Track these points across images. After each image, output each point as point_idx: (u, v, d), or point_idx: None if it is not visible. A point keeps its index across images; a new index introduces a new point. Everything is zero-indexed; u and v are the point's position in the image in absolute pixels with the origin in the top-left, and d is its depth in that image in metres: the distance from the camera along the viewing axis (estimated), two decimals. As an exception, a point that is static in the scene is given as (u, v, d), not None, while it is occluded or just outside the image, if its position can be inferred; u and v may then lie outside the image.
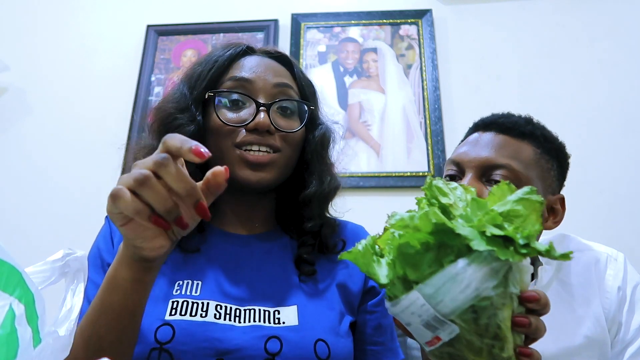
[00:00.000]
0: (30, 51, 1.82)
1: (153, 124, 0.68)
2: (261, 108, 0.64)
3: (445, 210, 0.42)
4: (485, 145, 0.77)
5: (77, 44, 1.82)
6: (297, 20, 1.74)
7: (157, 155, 0.40)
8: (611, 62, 1.60)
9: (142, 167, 0.39)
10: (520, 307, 0.41)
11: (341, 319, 0.64)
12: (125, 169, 1.57)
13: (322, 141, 0.71)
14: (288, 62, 0.72)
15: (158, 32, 1.78)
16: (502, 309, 0.39)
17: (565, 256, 0.37)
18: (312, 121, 0.72)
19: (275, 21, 1.74)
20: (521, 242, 0.37)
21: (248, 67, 0.68)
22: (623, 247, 0.89)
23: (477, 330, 0.39)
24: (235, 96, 0.65)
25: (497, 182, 0.73)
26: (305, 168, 0.71)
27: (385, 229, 0.45)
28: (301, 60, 1.68)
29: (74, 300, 0.40)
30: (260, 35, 1.73)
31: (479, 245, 0.36)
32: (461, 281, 0.38)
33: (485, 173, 0.75)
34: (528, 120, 0.81)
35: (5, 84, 1.76)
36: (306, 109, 0.69)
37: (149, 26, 1.79)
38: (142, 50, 1.75)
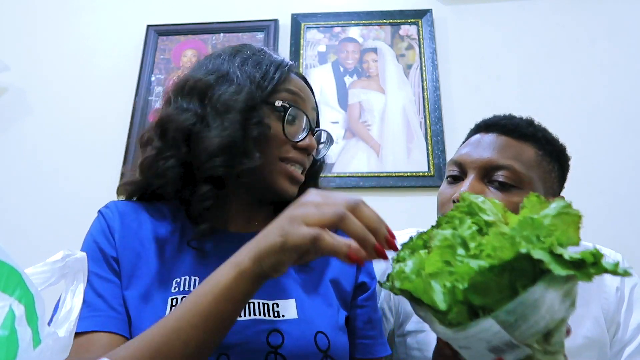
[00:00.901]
0: (30, 51, 1.82)
1: (215, 103, 0.64)
2: (311, 131, 0.70)
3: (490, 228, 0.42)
4: (488, 147, 0.77)
5: (77, 44, 1.82)
6: (297, 20, 1.74)
7: (352, 200, 0.45)
8: (611, 62, 1.59)
9: (336, 208, 0.44)
10: None
11: (338, 313, 0.66)
12: (125, 168, 1.57)
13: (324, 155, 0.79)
14: (310, 87, 0.76)
15: (158, 32, 1.78)
16: (566, 324, 0.40)
17: (627, 272, 0.36)
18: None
19: (275, 21, 1.74)
20: (591, 262, 0.36)
21: (299, 84, 0.71)
22: (623, 247, 0.89)
23: (546, 349, 0.39)
24: (297, 111, 0.68)
25: (499, 182, 0.73)
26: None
27: (429, 248, 0.44)
28: (301, 60, 1.68)
29: (74, 301, 0.40)
30: (260, 35, 1.73)
31: (558, 270, 0.36)
32: (541, 306, 0.37)
33: (488, 174, 0.75)
34: (529, 122, 0.81)
35: (5, 84, 1.76)
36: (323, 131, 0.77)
37: (149, 26, 1.79)
38: (142, 50, 1.75)
